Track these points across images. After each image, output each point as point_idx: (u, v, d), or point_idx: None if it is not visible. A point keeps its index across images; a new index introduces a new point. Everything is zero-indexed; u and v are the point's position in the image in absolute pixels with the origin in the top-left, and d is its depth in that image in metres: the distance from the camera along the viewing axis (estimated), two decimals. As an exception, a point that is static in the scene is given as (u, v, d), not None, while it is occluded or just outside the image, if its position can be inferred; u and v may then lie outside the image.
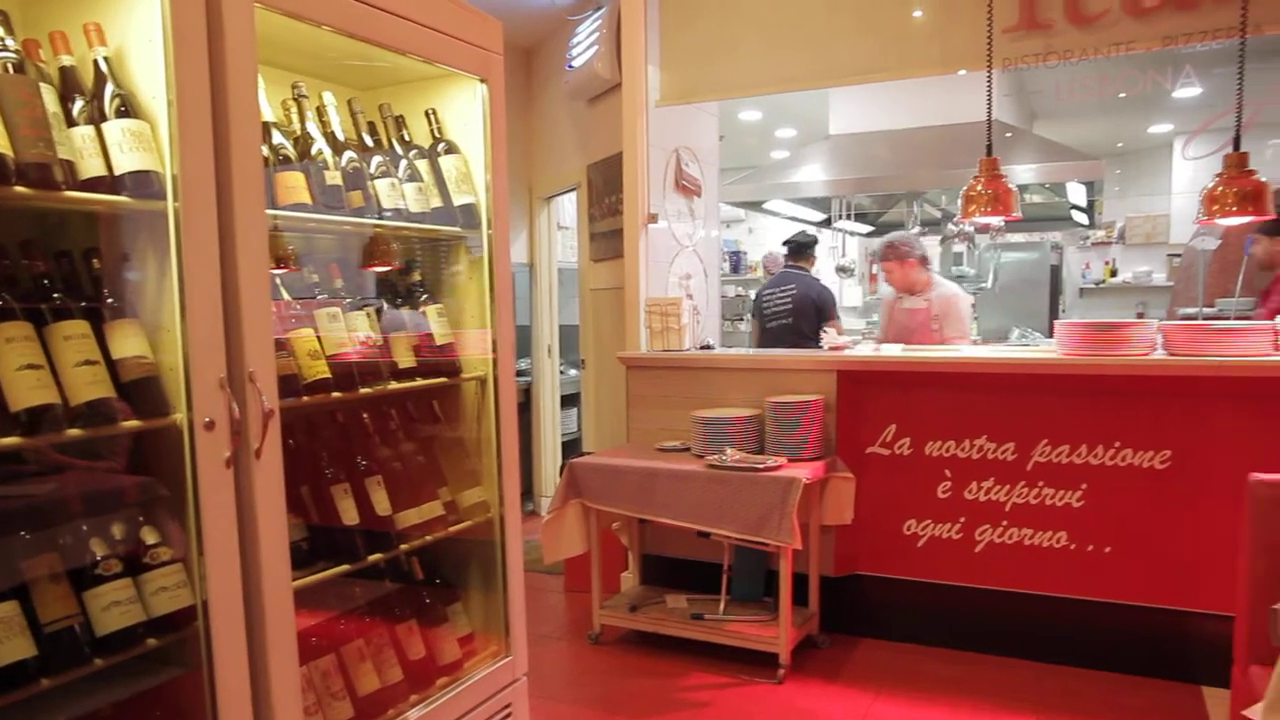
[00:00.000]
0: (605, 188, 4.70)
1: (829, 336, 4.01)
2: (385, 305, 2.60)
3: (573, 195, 5.54)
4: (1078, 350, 3.43)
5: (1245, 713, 2.32)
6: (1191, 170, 8.54)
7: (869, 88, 5.65)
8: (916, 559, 3.79)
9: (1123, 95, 6.62)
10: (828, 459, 3.70)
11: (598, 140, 4.83)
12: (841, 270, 7.91)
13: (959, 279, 7.00)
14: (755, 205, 6.57)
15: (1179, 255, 8.14)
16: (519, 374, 6.33)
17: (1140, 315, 9.14)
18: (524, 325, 6.35)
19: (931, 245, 7.74)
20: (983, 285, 7.87)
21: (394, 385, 2.49)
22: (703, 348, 4.40)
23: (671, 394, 4.16)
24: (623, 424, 4.40)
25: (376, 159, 2.46)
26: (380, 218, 2.43)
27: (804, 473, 3.42)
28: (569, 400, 6.35)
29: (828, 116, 6.32)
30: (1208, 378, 3.24)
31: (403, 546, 2.50)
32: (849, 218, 7.05)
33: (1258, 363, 3.17)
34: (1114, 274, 9.89)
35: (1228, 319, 5.12)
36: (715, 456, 3.59)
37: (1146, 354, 3.38)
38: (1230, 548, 2.95)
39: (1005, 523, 3.63)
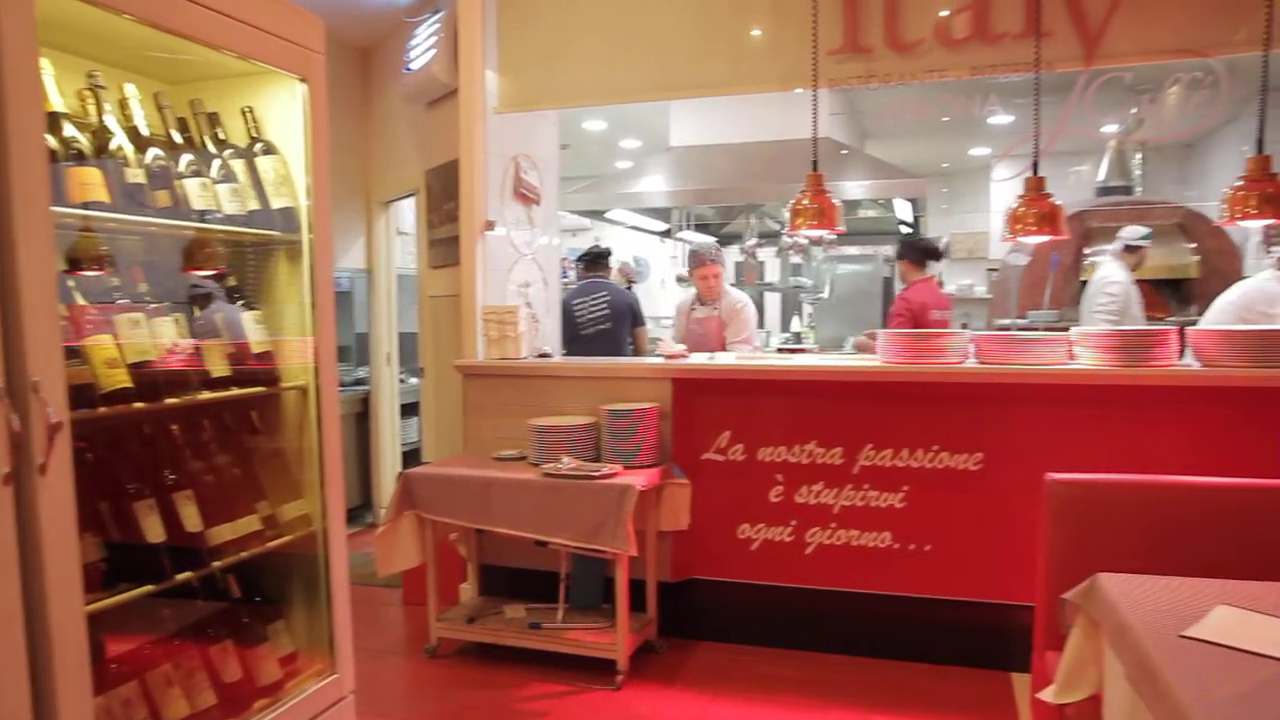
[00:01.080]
0: (444, 194, 4.63)
1: (665, 344, 4.06)
2: (198, 311, 2.47)
3: (412, 200, 5.42)
4: (899, 359, 3.60)
5: (1039, 696, 2.48)
6: (1007, 190, 9.14)
7: (710, 101, 5.80)
8: (751, 562, 3.87)
9: (946, 119, 7.06)
10: (663, 466, 3.75)
11: (436, 145, 4.74)
12: (682, 280, 8.05)
13: (797, 289, 7.27)
14: (597, 214, 6.62)
15: (997, 269, 8.69)
16: (357, 383, 6.16)
17: (964, 326, 9.67)
18: (363, 333, 6.19)
19: (769, 256, 8.02)
20: (820, 295, 8.19)
21: (206, 395, 2.36)
22: (540, 356, 4.39)
23: (508, 402, 4.13)
24: (462, 433, 4.33)
25: (186, 157, 2.33)
26: (191, 219, 2.30)
27: (639, 480, 3.45)
28: (410, 409, 6.21)
29: (670, 128, 6.44)
30: (1013, 384, 3.46)
31: (216, 564, 2.37)
32: (690, 228, 7.19)
33: (1054, 370, 3.42)
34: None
35: (1038, 329, 5.52)
36: (551, 465, 3.58)
37: (960, 362, 3.59)
38: (1034, 543, 3.15)
39: (834, 524, 3.76)
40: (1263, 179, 3.07)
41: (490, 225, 4.35)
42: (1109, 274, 5.65)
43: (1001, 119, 5.12)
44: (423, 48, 4.59)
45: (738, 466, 3.84)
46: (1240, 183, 3.13)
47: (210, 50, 2.23)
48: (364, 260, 6.08)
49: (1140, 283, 6.11)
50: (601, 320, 5.67)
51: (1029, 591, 2.83)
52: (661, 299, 10.00)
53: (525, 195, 4.64)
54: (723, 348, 4.81)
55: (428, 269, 4.97)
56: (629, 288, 7.81)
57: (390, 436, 6.09)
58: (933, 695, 3.42)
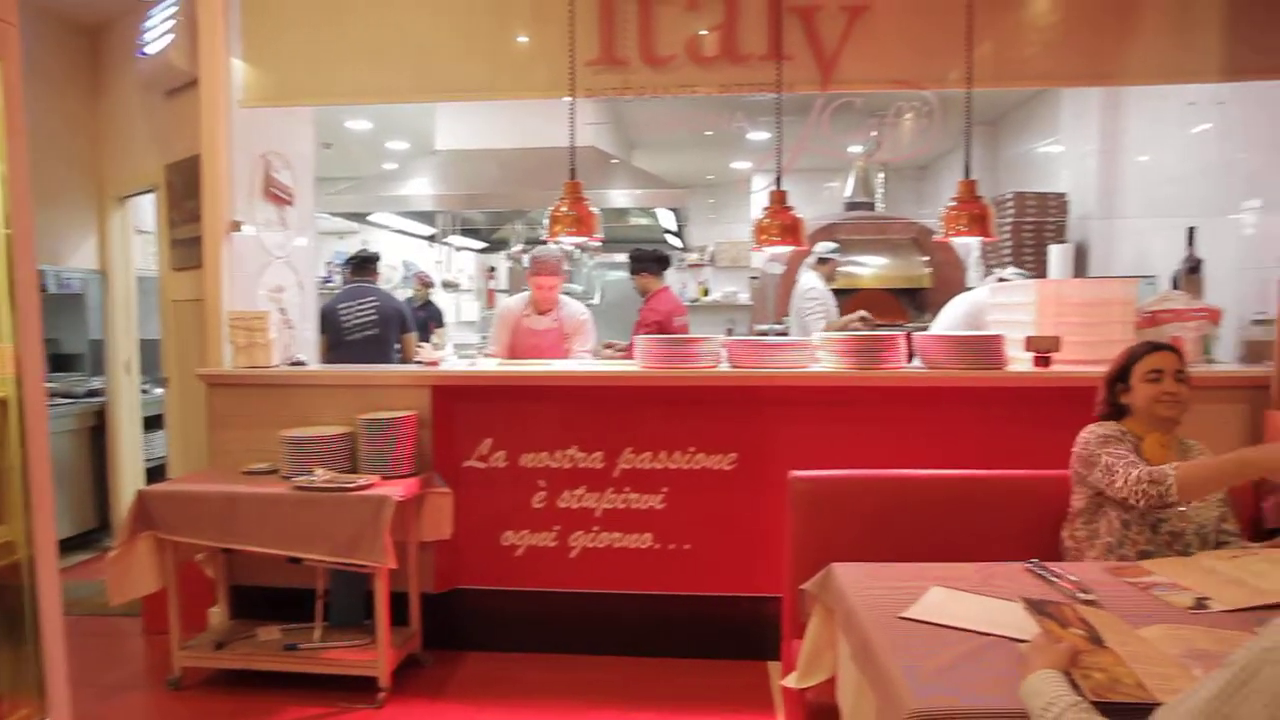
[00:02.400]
0: (186, 191, 4.31)
1: (425, 351, 3.98)
2: None
3: (153, 197, 5.02)
4: (655, 364, 3.71)
5: (784, 682, 2.63)
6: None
7: (477, 105, 5.75)
8: (516, 569, 3.86)
9: (709, 133, 7.36)
10: (424, 475, 3.67)
11: (177, 138, 4.41)
12: (448, 285, 7.95)
13: (566, 295, 7.34)
14: (360, 217, 6.40)
15: (757, 277, 9.15)
16: (91, 394, 5.64)
17: (730, 331, 10.13)
18: (98, 339, 5.67)
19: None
20: (591, 301, 8.32)
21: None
22: (294, 364, 4.18)
23: (259, 413, 3.90)
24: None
25: None
26: None
27: (397, 490, 3.36)
28: (154, 422, 5.75)
29: (436, 131, 6.33)
30: (762, 387, 3.65)
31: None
32: (458, 233, 7.10)
33: (799, 374, 3.65)
34: (706, 293, 10.87)
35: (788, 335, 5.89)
36: (304, 478, 3.43)
37: (714, 367, 3.75)
38: (783, 537, 3.33)
39: (597, 528, 3.81)
40: (970, 201, 3.41)
41: (237, 226, 4.11)
42: (808, 283, 6.19)
43: (759, 135, 5.41)
44: (159, 31, 4.24)
45: (500, 473, 3.82)
46: (953, 203, 3.47)
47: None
48: (97, 260, 5.57)
49: (882, 291, 6.65)
50: (369, 326, 5.52)
51: (780, 584, 2.99)
52: (445, 304, 9.86)
53: (277, 195, 4.41)
54: (563, 358, 4.74)
55: (170, 271, 4.62)
56: (427, 296, 7.66)
57: (131, 452, 5.61)
58: (696, 689, 3.54)
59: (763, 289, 8.08)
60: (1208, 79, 3.83)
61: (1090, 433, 2.68)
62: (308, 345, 4.71)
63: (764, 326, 7.33)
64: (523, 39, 3.99)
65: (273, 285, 4.36)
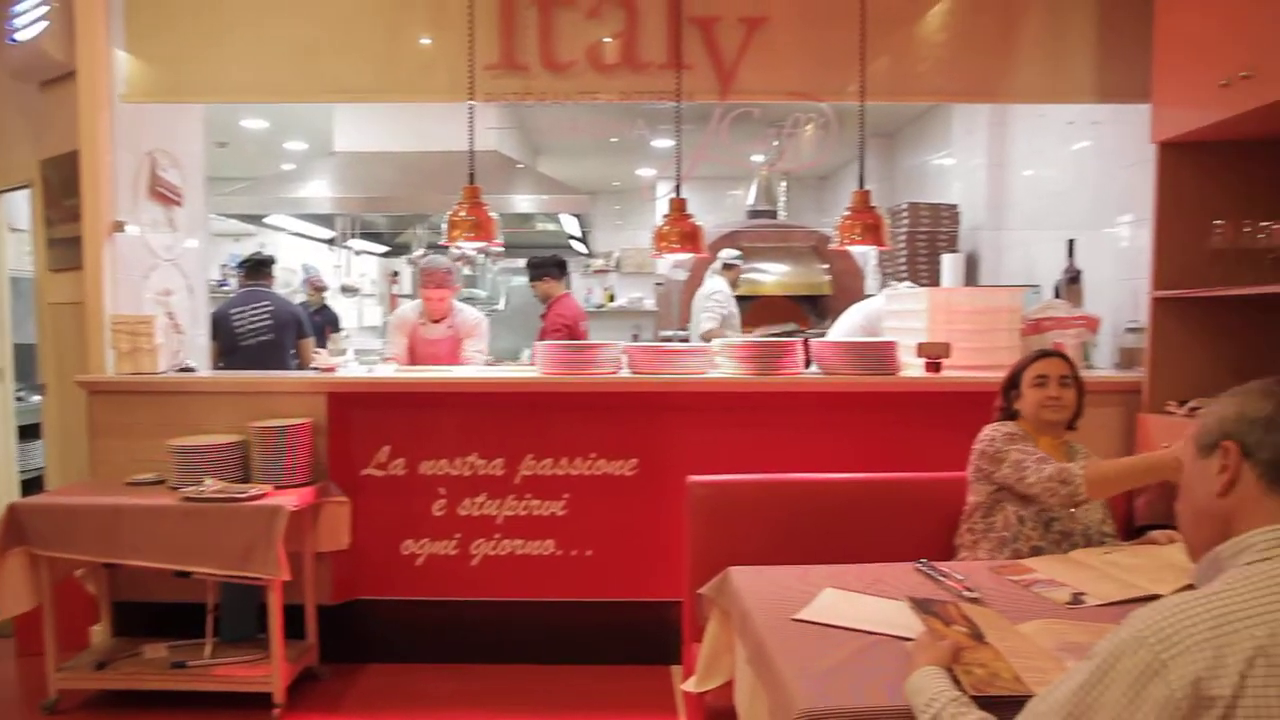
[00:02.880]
0: (64, 188, 4.10)
1: (322, 357, 3.89)
2: None
3: (27, 193, 4.76)
4: (555, 370, 3.71)
5: (683, 686, 2.65)
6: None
7: (376, 107, 5.66)
8: (416, 578, 3.80)
9: (615, 140, 7.39)
10: (320, 484, 3.58)
11: (54, 133, 4.19)
12: (347, 290, 7.78)
13: (470, 300, 7.27)
14: (256, 219, 6.22)
15: (662, 284, 9.22)
16: (-41, 402, 5.33)
17: (635, 337, 10.19)
18: (-33, 344, 5.37)
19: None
20: (495, 307, 8.27)
21: None
22: (182, 370, 4.03)
23: (144, 422, 3.74)
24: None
25: None
26: None
27: (292, 500, 3.27)
28: (31, 431, 5.47)
29: (334, 132, 6.20)
30: (662, 393, 3.69)
31: None
32: (359, 236, 6.97)
33: (698, 379, 3.69)
34: (612, 299, 10.92)
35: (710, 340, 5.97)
36: (193, 488, 3.31)
37: (614, 372, 3.76)
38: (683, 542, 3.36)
39: (498, 535, 3.78)
40: (864, 211, 3.51)
41: (119, 226, 3.93)
42: (714, 286, 6.43)
43: (664, 142, 5.47)
44: (31, 16, 4.02)
45: (399, 481, 3.76)
46: (848, 213, 3.56)
47: None
48: (-35, 260, 5.27)
49: (783, 298, 6.79)
50: (264, 331, 5.37)
51: (681, 588, 3.01)
52: (346, 309, 9.67)
53: (164, 195, 4.25)
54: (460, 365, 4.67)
55: (47, 272, 4.39)
56: (322, 301, 7.45)
57: (4, 463, 5.32)
58: (599, 696, 3.54)
59: (668, 295, 8.15)
60: (1081, 100, 4.04)
61: (995, 430, 2.78)
62: (199, 351, 4.55)
63: (669, 332, 7.38)
64: (426, 40, 3.93)
65: (160, 288, 4.20)
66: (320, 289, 7.47)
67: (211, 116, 4.72)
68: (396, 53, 3.94)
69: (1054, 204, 5.48)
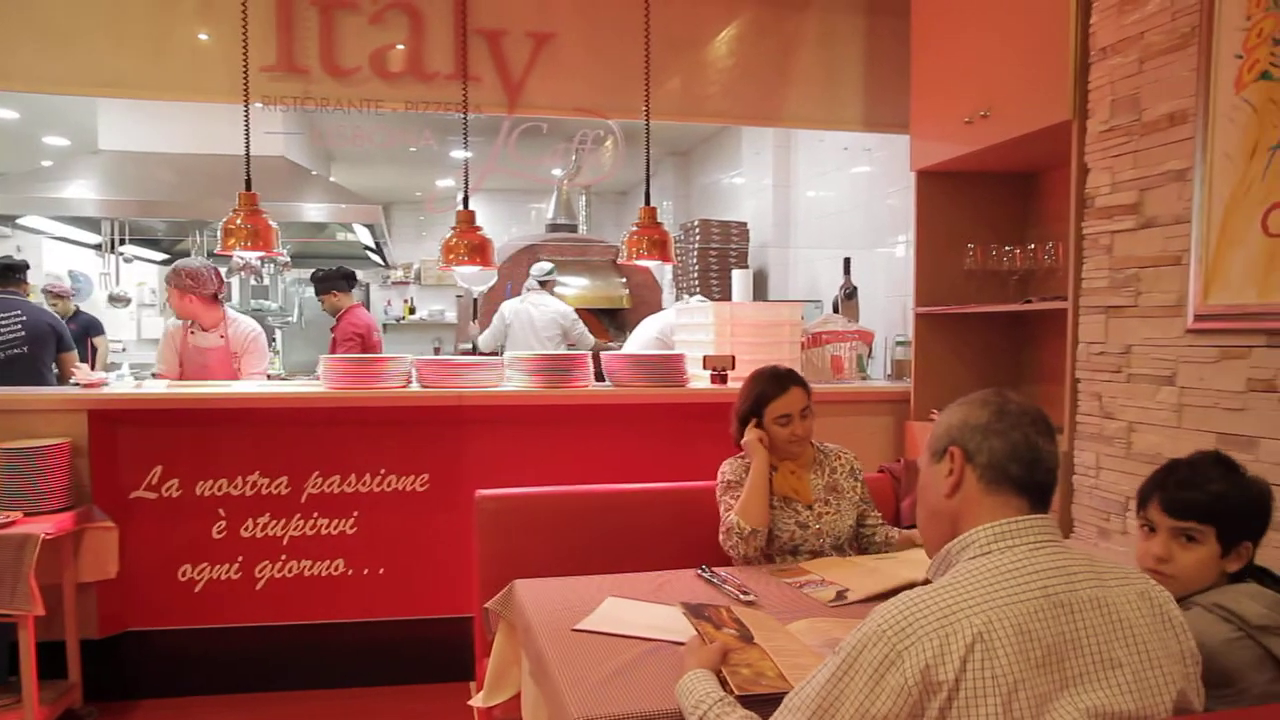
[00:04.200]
0: None
1: (83, 372, 3.59)
2: None
3: None
4: (342, 384, 3.59)
5: (470, 702, 2.63)
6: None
7: (148, 104, 5.28)
8: (195, 606, 3.58)
9: (413, 149, 7.24)
10: (80, 509, 3.31)
11: None
12: (116, 300, 7.21)
13: (260, 312, 6.93)
14: (8, 220, 5.68)
15: (463, 295, 9.12)
16: None
17: (436, 350, 10.02)
18: None
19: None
20: (288, 319, 7.91)
21: None
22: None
23: None
24: None
25: None
26: None
27: (46, 527, 3.01)
28: None
29: (99, 129, 5.76)
30: (453, 406, 3.65)
31: None
32: (131, 242, 6.49)
33: (488, 393, 3.68)
34: (413, 311, 10.69)
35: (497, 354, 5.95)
36: (-75, 519, 2.98)
37: (404, 386, 3.69)
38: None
39: (284, 556, 3.63)
40: (651, 226, 3.62)
41: None
42: (556, 304, 6.44)
43: (463, 153, 5.39)
44: None
45: (174, 504, 3.53)
46: (635, 228, 3.66)
47: None
48: None
49: (585, 311, 6.87)
50: (14, 344, 4.92)
51: (473, 603, 2.98)
52: (121, 320, 9.02)
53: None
54: (233, 378, 4.35)
55: None
56: (71, 309, 6.79)
57: None
58: (395, 716, 3.47)
59: (467, 307, 8.06)
60: (850, 128, 4.35)
61: (723, 471, 2.80)
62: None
63: (468, 344, 7.31)
64: (204, 36, 3.72)
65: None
66: (61, 296, 6.69)
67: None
68: (167, 48, 3.70)
69: (834, 224, 5.84)
